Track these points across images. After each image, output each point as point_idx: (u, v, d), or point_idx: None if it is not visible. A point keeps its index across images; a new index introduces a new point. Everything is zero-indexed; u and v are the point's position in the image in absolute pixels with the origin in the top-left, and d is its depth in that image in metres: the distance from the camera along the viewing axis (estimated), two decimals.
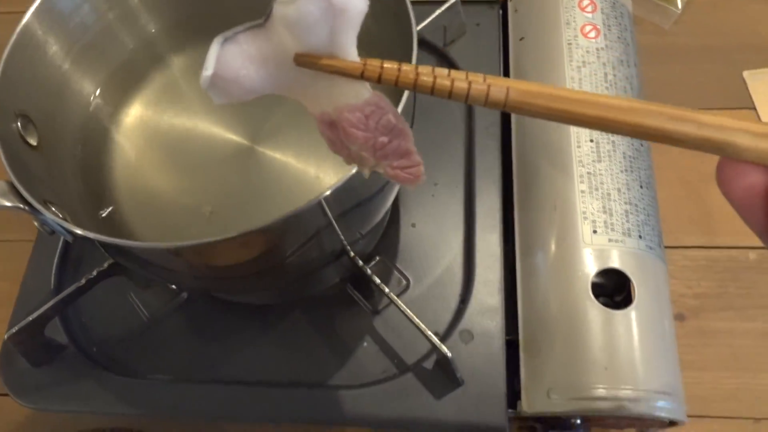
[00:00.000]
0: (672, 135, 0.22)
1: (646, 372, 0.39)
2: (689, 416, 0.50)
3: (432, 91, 0.24)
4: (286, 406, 0.42)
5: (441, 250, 0.47)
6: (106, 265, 0.42)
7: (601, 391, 0.39)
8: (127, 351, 0.46)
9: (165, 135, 0.44)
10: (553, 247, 0.44)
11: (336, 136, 0.27)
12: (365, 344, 0.45)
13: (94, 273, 0.42)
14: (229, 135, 0.43)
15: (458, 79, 0.23)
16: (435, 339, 0.40)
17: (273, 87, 0.26)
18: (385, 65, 0.24)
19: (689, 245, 0.56)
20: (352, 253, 0.41)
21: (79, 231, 0.31)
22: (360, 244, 0.47)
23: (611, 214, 0.43)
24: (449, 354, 0.39)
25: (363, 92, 0.25)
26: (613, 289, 0.43)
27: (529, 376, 0.42)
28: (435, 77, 0.24)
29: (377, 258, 0.47)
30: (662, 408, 0.39)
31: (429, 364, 0.43)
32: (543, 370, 0.41)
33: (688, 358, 0.52)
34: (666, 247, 0.46)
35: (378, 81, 0.24)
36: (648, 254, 0.43)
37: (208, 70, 0.24)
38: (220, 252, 0.31)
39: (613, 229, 0.43)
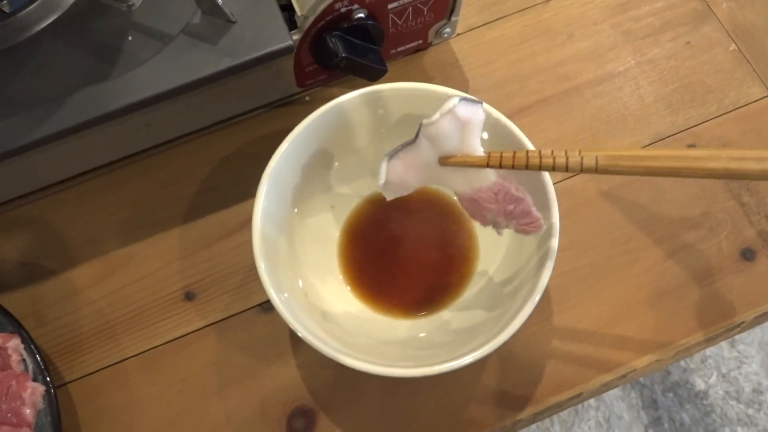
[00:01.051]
0: (738, 173, 0.27)
1: None
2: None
3: (540, 167, 0.31)
4: (71, 112, 0.38)
5: None
6: None
7: None
8: None
9: None
10: None
11: (475, 207, 0.36)
12: (130, 38, 0.41)
13: None
14: None
15: (559, 156, 0.31)
16: None
17: (425, 181, 0.35)
18: (504, 155, 0.32)
19: None
20: None
21: None
22: None
23: None
24: None
25: (490, 176, 0.34)
26: None
27: None
28: (541, 158, 0.31)
29: None
30: None
31: (196, 19, 0.40)
32: None
33: None
34: None
35: (499, 166, 0.32)
36: None
37: (381, 180, 0.34)
38: None
39: None
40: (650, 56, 0.50)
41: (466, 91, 0.48)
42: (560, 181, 0.46)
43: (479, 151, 0.33)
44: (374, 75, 0.43)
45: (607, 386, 0.43)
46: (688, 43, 0.50)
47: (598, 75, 0.49)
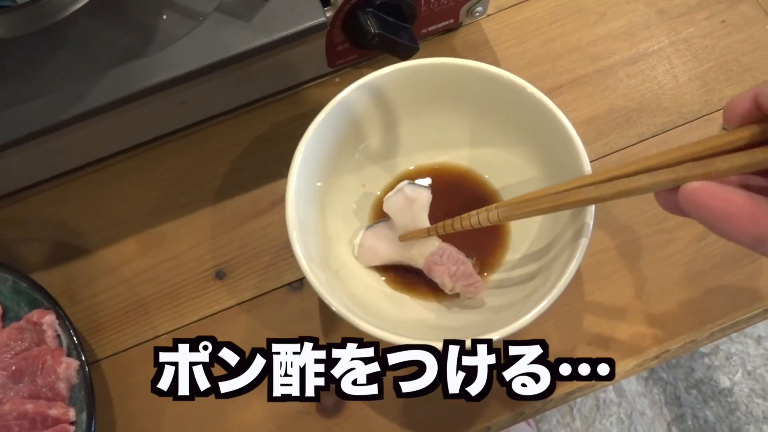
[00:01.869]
0: (597, 198, 0.32)
1: None
2: None
3: (462, 228, 0.38)
4: (108, 89, 0.39)
5: None
6: None
7: None
8: None
9: None
10: None
11: (430, 271, 0.41)
12: (165, 16, 0.41)
13: None
14: None
15: (473, 216, 0.37)
16: None
17: (393, 257, 0.41)
18: (438, 225, 0.39)
19: None
20: None
21: None
22: None
23: None
24: None
25: (435, 243, 0.41)
26: None
27: None
28: (461, 221, 0.38)
29: None
30: None
31: None
32: None
33: None
34: None
35: (436, 234, 0.39)
36: None
37: (357, 241, 0.41)
38: None
39: None
40: (685, 35, 0.49)
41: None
42: (594, 160, 0.46)
43: (425, 224, 0.40)
44: (406, 53, 0.43)
45: (641, 366, 0.42)
46: (723, 21, 0.49)
47: (632, 54, 0.49)
